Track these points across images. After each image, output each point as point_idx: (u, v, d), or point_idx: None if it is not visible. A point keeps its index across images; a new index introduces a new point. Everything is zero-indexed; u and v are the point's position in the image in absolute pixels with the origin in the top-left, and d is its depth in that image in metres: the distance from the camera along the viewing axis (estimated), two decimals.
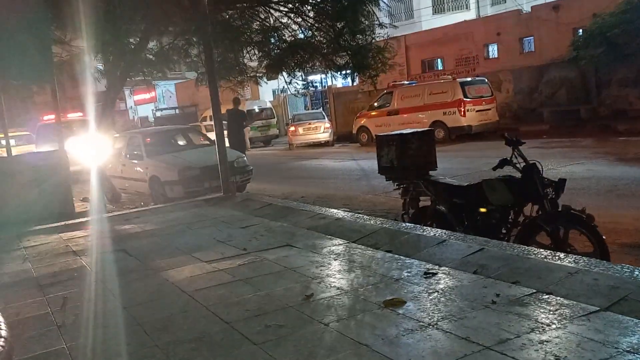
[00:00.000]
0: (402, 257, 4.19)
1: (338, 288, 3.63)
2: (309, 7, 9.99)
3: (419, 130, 5.90)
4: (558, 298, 3.05)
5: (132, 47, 10.23)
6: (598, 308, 2.85)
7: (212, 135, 9.97)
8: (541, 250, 3.97)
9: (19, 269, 5.17)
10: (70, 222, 7.85)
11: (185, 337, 3.07)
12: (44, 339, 3.33)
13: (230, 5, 10.13)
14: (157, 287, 4.09)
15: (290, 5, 10.01)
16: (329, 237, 5.09)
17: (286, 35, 10.85)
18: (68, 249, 5.89)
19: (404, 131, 5.88)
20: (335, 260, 4.34)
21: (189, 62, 12.85)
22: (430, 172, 5.63)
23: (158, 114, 33.49)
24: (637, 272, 3.19)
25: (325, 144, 21.31)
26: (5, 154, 11.89)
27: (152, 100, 36.05)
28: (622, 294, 2.94)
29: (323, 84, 26.86)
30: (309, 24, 10.36)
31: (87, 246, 5.94)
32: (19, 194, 8.24)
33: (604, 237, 4.25)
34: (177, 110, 33.49)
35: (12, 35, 8.46)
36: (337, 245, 4.79)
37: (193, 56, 11.78)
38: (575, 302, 2.96)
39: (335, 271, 4.04)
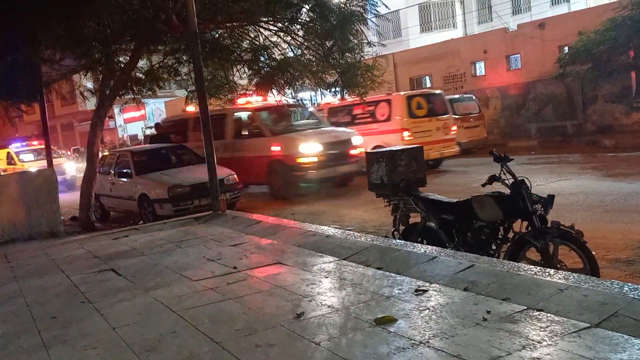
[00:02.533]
0: (392, 274, 4.19)
1: (329, 306, 3.61)
2: (298, 26, 10.06)
3: (409, 146, 5.93)
4: (548, 315, 3.05)
5: (122, 65, 10.24)
6: (588, 324, 2.86)
7: None
8: (531, 266, 3.98)
9: (7, 288, 5.10)
10: (59, 241, 7.78)
11: (175, 358, 3.04)
12: (31, 359, 3.28)
13: (220, 24, 10.19)
14: (146, 307, 4.05)
15: (279, 25, 10.08)
16: (320, 254, 5.08)
17: (276, 54, 10.92)
18: (56, 268, 5.82)
19: (394, 147, 5.91)
20: (325, 277, 4.33)
21: (178, 81, 12.87)
22: (420, 189, 5.65)
23: (148, 131, 33.41)
24: (626, 288, 3.20)
25: None
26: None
27: (142, 118, 35.96)
28: (612, 310, 2.94)
29: (313, 101, 26.96)
30: (299, 43, 10.43)
31: (75, 265, 5.88)
32: (7, 212, 8.17)
33: (593, 252, 4.28)
34: None
35: (1, 55, 8.45)
36: (327, 262, 4.77)
37: (183, 74, 11.80)
38: (565, 319, 2.96)
39: (326, 289, 4.03)
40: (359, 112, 14.86)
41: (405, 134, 13.40)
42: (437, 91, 15.61)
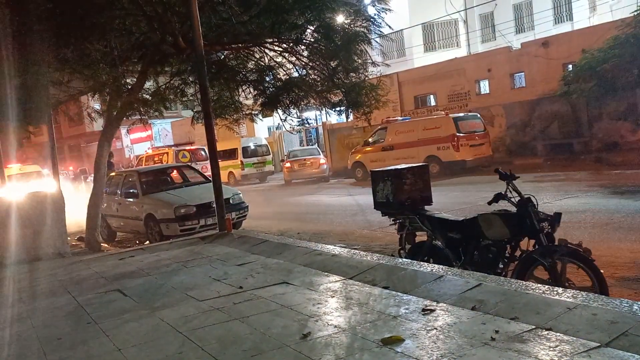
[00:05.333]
0: (399, 293, 4.16)
1: (335, 326, 3.59)
2: (303, 47, 10.16)
3: (414, 165, 5.94)
4: (557, 334, 3.02)
5: (129, 87, 10.35)
6: (598, 344, 2.83)
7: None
8: (539, 285, 3.95)
9: (14, 310, 5.09)
10: (65, 261, 7.79)
11: None
12: None
13: (226, 46, 10.30)
14: (152, 328, 4.04)
15: (284, 45, 10.18)
16: (326, 273, 5.06)
17: (281, 74, 11.01)
18: (62, 289, 5.82)
19: (399, 166, 5.91)
20: (332, 297, 4.31)
21: (185, 101, 12.98)
22: (426, 207, 5.64)
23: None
24: (636, 307, 3.17)
25: (321, 179, 21.37)
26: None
27: (149, 138, 36.22)
28: (622, 329, 2.91)
29: (318, 121, 27.10)
30: (304, 63, 10.52)
31: (81, 286, 5.87)
32: (14, 234, 8.20)
33: (601, 270, 4.24)
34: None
35: (10, 77, 8.56)
36: (334, 282, 4.75)
37: (189, 95, 11.91)
38: (575, 338, 2.93)
39: (332, 309, 4.01)
40: (156, 159, 23.54)
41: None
42: (200, 146, 24.09)
